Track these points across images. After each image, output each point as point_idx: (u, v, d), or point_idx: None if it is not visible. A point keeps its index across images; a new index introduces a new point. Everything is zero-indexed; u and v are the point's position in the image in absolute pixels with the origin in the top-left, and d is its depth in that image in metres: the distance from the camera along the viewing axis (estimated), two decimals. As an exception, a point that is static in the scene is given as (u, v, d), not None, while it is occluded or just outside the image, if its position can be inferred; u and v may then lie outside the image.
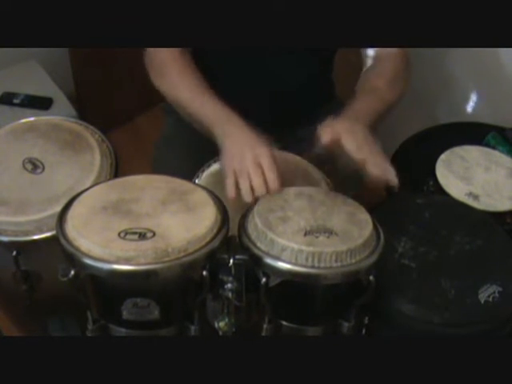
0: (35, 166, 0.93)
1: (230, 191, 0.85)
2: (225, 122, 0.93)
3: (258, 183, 0.84)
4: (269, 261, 0.76)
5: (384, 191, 0.89)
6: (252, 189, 0.84)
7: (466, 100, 1.49)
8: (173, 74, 1.02)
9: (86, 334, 0.82)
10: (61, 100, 1.55)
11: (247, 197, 0.84)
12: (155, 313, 0.77)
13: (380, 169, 0.84)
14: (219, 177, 1.02)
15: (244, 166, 0.85)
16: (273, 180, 0.84)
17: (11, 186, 0.91)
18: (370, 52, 1.08)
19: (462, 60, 1.46)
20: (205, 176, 1.02)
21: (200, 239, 0.76)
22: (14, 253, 0.87)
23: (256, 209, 0.82)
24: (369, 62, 1.08)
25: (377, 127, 0.96)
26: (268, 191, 0.84)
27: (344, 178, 0.95)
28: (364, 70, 1.08)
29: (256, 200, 0.84)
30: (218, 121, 0.93)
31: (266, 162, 0.85)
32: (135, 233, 0.75)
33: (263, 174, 0.84)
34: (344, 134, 0.86)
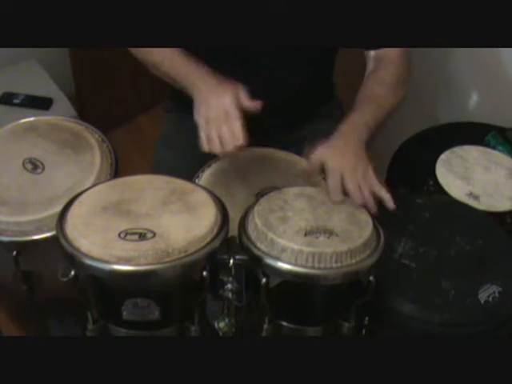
0: (35, 166, 0.93)
1: (203, 143, 0.89)
2: (193, 74, 0.97)
3: (224, 133, 0.88)
4: (269, 261, 0.76)
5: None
6: (221, 140, 0.88)
7: (466, 100, 1.49)
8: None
9: (86, 334, 0.82)
10: (61, 100, 1.55)
11: (216, 148, 0.88)
12: (155, 313, 0.77)
13: (363, 199, 0.86)
14: (219, 177, 1.03)
15: (211, 116, 0.89)
16: (239, 132, 0.87)
17: (11, 186, 0.91)
18: (373, 53, 1.08)
19: (462, 60, 1.45)
20: (205, 176, 1.02)
21: (200, 239, 0.76)
22: (14, 253, 0.87)
23: (256, 209, 0.82)
24: (371, 64, 1.08)
25: (377, 134, 0.97)
26: (235, 144, 0.87)
27: None
28: (367, 73, 1.08)
29: (224, 154, 0.88)
30: (187, 74, 0.98)
31: (231, 111, 0.88)
32: (135, 233, 0.75)
33: (230, 124, 0.88)
34: (329, 163, 0.88)
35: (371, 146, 0.94)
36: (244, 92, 0.92)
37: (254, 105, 0.92)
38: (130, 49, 1.07)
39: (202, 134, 0.90)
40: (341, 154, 0.89)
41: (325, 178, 0.90)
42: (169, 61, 1.02)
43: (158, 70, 1.04)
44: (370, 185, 0.87)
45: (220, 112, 0.89)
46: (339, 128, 0.94)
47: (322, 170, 0.90)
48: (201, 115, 0.91)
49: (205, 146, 0.89)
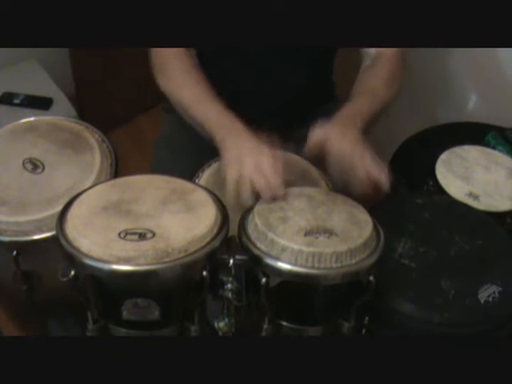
0: (35, 166, 0.93)
1: (230, 199, 0.84)
2: (225, 127, 0.91)
3: (260, 187, 0.82)
4: (269, 261, 0.76)
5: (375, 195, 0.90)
6: (255, 193, 0.83)
7: (466, 100, 1.49)
8: (177, 75, 1.02)
9: (86, 334, 0.82)
10: (61, 100, 1.55)
11: (247, 202, 0.84)
12: (155, 313, 0.77)
13: (366, 174, 0.84)
14: (219, 177, 1.03)
15: (244, 174, 0.83)
16: (275, 183, 0.83)
17: (11, 186, 0.91)
18: (369, 51, 1.08)
19: (461, 60, 1.45)
20: (205, 176, 1.02)
21: (200, 239, 0.76)
22: (14, 253, 0.87)
23: (256, 209, 0.82)
24: (367, 61, 1.08)
25: (371, 127, 0.97)
26: (273, 197, 0.83)
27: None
28: (362, 68, 1.09)
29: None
30: (218, 125, 0.92)
31: (266, 168, 0.83)
32: (135, 233, 0.75)
33: (266, 179, 0.82)
34: (333, 137, 0.87)
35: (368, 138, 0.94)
36: (278, 154, 0.86)
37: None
38: (163, 89, 1.03)
39: (230, 191, 0.84)
40: (341, 134, 0.88)
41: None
42: (199, 104, 0.97)
43: (187, 111, 0.99)
44: (368, 166, 0.86)
45: (255, 171, 0.83)
46: (334, 117, 0.93)
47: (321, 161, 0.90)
48: (232, 175, 0.85)
49: (231, 203, 0.84)
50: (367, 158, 0.86)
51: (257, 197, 0.83)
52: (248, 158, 0.84)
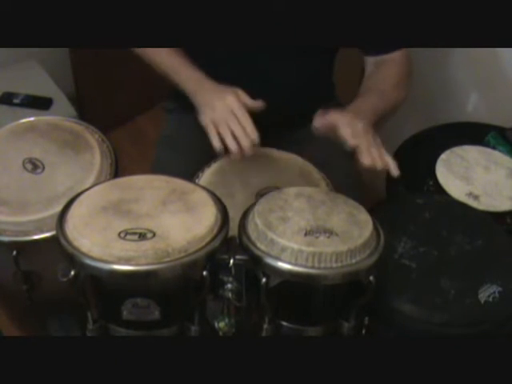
0: (35, 166, 0.93)
1: (215, 142, 0.91)
2: (194, 79, 1.00)
3: (239, 132, 0.89)
4: (269, 261, 0.76)
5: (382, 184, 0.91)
6: (234, 137, 0.90)
7: (466, 100, 1.49)
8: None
9: (86, 334, 0.82)
10: (61, 100, 1.55)
11: (232, 145, 0.89)
12: (155, 313, 0.77)
13: (372, 160, 0.86)
14: (219, 177, 1.03)
15: (219, 116, 0.91)
16: (251, 128, 0.90)
17: (11, 186, 0.91)
18: (372, 59, 1.08)
19: (461, 60, 1.45)
20: (205, 176, 1.02)
21: (200, 239, 0.76)
22: (14, 253, 0.87)
23: (256, 209, 0.82)
24: (371, 66, 1.08)
25: (378, 125, 0.97)
26: (251, 140, 0.89)
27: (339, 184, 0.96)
28: (367, 74, 1.08)
29: (240, 150, 0.89)
30: (187, 79, 1.01)
31: (238, 111, 0.91)
32: (135, 233, 0.75)
33: (240, 123, 0.90)
34: (342, 123, 0.89)
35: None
36: (243, 92, 0.93)
37: (256, 103, 0.94)
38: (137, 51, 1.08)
39: (213, 134, 0.91)
40: (353, 120, 0.90)
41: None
42: (169, 62, 1.04)
43: (157, 68, 1.06)
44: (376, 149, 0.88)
45: (226, 111, 0.91)
46: (345, 108, 0.95)
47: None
48: (207, 117, 0.93)
49: (218, 145, 0.90)
50: (375, 146, 0.88)
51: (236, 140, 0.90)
52: (218, 101, 0.93)
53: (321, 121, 0.90)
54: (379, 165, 0.86)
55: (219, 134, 0.91)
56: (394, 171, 0.88)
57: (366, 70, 1.09)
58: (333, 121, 0.90)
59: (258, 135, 0.90)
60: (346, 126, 0.89)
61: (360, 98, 0.99)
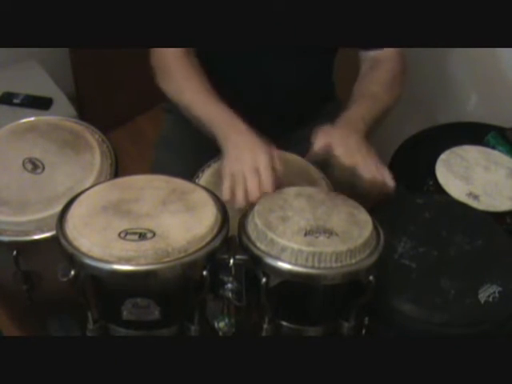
0: (35, 166, 0.93)
1: (226, 194, 0.86)
2: (227, 126, 0.92)
3: (252, 187, 0.84)
4: (269, 261, 0.76)
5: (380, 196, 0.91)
6: (246, 193, 0.84)
7: (466, 100, 1.49)
8: (178, 77, 1.02)
9: (86, 334, 0.82)
10: (61, 100, 1.55)
11: (240, 200, 0.84)
12: (155, 313, 0.77)
13: (372, 173, 0.87)
14: (219, 177, 1.03)
15: (241, 170, 0.85)
16: (267, 184, 0.84)
17: (11, 186, 0.91)
18: (367, 55, 1.08)
19: (461, 60, 1.45)
20: (205, 176, 1.02)
21: (200, 239, 0.76)
22: (14, 253, 0.87)
23: (256, 209, 0.82)
24: (366, 64, 1.08)
25: (373, 131, 0.97)
26: (261, 194, 0.84)
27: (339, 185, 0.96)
28: (361, 72, 1.09)
29: (251, 204, 0.84)
30: (220, 124, 0.93)
31: (263, 167, 0.85)
32: (135, 233, 0.75)
33: (260, 178, 0.84)
34: (336, 140, 0.88)
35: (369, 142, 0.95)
36: (277, 154, 0.89)
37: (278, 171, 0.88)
38: (164, 91, 1.03)
39: (226, 186, 0.86)
40: (345, 137, 0.90)
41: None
42: (201, 104, 0.97)
43: (189, 112, 1.00)
44: (372, 167, 0.88)
45: (251, 170, 0.85)
46: (336, 121, 0.95)
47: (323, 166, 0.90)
48: (230, 168, 0.87)
49: (226, 198, 0.85)
50: (371, 160, 0.88)
51: (247, 195, 0.85)
52: (247, 156, 0.86)
53: (319, 144, 0.90)
54: (379, 178, 0.87)
55: (232, 186, 0.86)
56: (390, 183, 0.89)
57: (361, 68, 1.09)
58: (327, 141, 0.90)
59: (273, 189, 0.85)
60: (339, 144, 0.88)
61: (351, 107, 0.99)
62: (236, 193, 0.85)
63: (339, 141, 0.89)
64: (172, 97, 1.03)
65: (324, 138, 0.90)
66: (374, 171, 0.88)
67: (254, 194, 0.84)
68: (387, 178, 0.89)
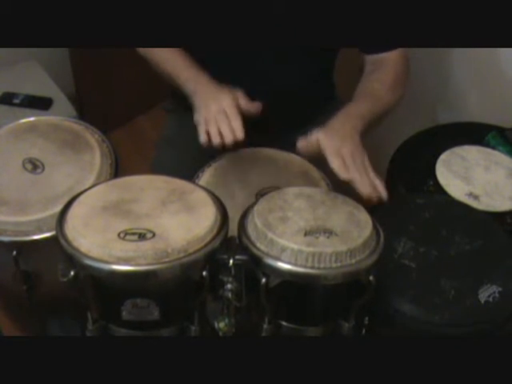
0: (35, 166, 0.93)
1: (202, 138, 0.93)
2: (193, 81, 1.01)
3: (224, 129, 0.92)
4: (269, 261, 0.76)
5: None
6: (220, 134, 0.92)
7: (466, 100, 1.49)
8: None
9: (86, 334, 0.82)
10: (61, 100, 1.55)
11: (216, 139, 0.92)
12: (155, 313, 0.77)
13: (367, 191, 0.87)
14: (219, 177, 1.03)
15: (211, 115, 0.93)
16: (238, 127, 0.92)
17: (11, 186, 0.91)
18: (370, 57, 1.08)
19: (461, 60, 1.45)
20: (205, 176, 1.02)
21: (200, 240, 0.76)
22: (14, 253, 0.87)
23: (256, 209, 0.82)
24: (369, 66, 1.08)
25: (372, 129, 0.97)
26: (234, 138, 0.92)
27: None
28: (364, 73, 1.08)
29: (224, 146, 0.93)
30: (187, 79, 1.02)
31: (230, 111, 0.93)
32: (135, 233, 0.75)
33: (228, 121, 0.93)
34: (330, 153, 0.87)
35: (365, 139, 0.94)
36: (242, 95, 0.96)
37: (254, 106, 0.95)
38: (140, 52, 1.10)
39: (202, 131, 0.93)
40: (339, 137, 0.90)
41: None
42: (171, 62, 1.05)
43: (159, 69, 1.07)
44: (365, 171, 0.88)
45: (218, 111, 0.93)
46: (334, 117, 0.94)
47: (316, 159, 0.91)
48: (200, 116, 0.95)
49: (203, 141, 0.93)
50: (366, 173, 0.88)
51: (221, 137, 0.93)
52: (213, 102, 0.95)
53: (304, 143, 0.90)
54: (374, 194, 0.88)
55: (207, 131, 0.93)
56: (383, 195, 0.89)
57: (365, 69, 1.09)
58: (317, 144, 0.89)
59: (243, 134, 0.92)
60: (334, 155, 0.87)
61: (352, 103, 0.99)
62: (210, 132, 0.93)
63: (334, 154, 0.87)
64: (144, 53, 1.09)
65: (312, 147, 0.90)
66: (368, 188, 0.87)
67: (226, 134, 0.92)
68: (380, 189, 0.88)
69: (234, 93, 0.96)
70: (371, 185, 0.87)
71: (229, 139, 0.92)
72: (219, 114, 0.93)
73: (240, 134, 0.92)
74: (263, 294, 0.77)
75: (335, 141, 0.89)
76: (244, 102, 0.96)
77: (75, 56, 1.69)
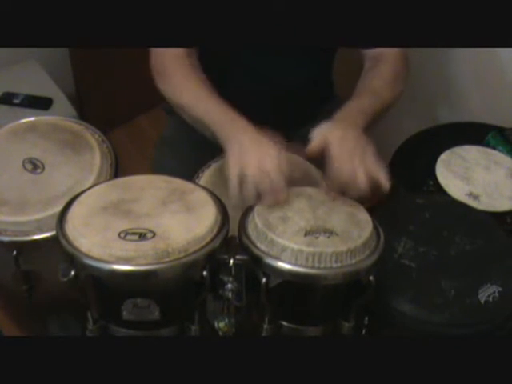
0: (35, 166, 0.93)
1: (235, 201, 0.83)
2: (230, 125, 0.89)
3: (264, 190, 0.81)
4: (269, 261, 0.76)
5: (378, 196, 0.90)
6: (258, 193, 0.82)
7: (466, 100, 1.49)
8: (177, 77, 0.99)
9: (86, 334, 0.82)
10: (61, 100, 1.55)
11: (250, 202, 0.82)
12: (155, 313, 0.77)
13: (367, 174, 0.83)
14: (219, 177, 1.03)
15: (247, 172, 0.81)
16: (280, 189, 0.81)
17: (11, 186, 0.91)
18: (370, 53, 1.08)
19: (461, 60, 1.45)
20: (205, 176, 1.02)
21: (200, 239, 0.76)
22: (14, 253, 0.87)
23: (256, 209, 0.82)
24: (368, 63, 1.08)
25: (373, 126, 0.96)
26: (275, 201, 0.82)
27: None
28: (364, 70, 1.08)
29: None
30: (222, 123, 0.90)
31: (271, 168, 0.81)
32: (135, 233, 0.75)
33: (270, 181, 0.81)
34: (334, 141, 0.85)
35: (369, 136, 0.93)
36: (284, 152, 0.84)
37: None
38: (163, 92, 1.01)
39: (234, 192, 0.83)
40: (342, 137, 0.87)
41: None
42: (202, 104, 0.94)
43: (189, 113, 0.98)
44: (368, 169, 0.85)
45: (260, 173, 0.81)
46: (336, 114, 0.92)
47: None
48: (235, 171, 0.83)
49: (235, 203, 0.83)
50: (368, 159, 0.86)
51: (259, 197, 0.82)
52: (251, 155, 0.82)
53: (315, 144, 0.86)
54: (367, 192, 0.84)
55: (240, 188, 0.82)
56: (386, 186, 0.84)
57: (364, 65, 1.09)
58: (325, 141, 0.86)
59: (286, 193, 0.82)
60: (339, 147, 0.84)
61: (352, 101, 0.97)
62: (245, 195, 0.82)
63: (337, 144, 0.85)
64: (170, 98, 1.01)
65: (320, 139, 0.87)
66: (368, 173, 0.83)
67: (267, 196, 0.81)
68: (382, 178, 0.85)
69: (278, 149, 0.83)
70: (365, 183, 0.84)
71: (269, 200, 0.81)
72: (258, 172, 0.80)
73: (283, 194, 0.81)
74: (263, 293, 0.77)
75: (340, 132, 0.87)
76: (284, 163, 0.82)
77: (75, 56, 1.69)
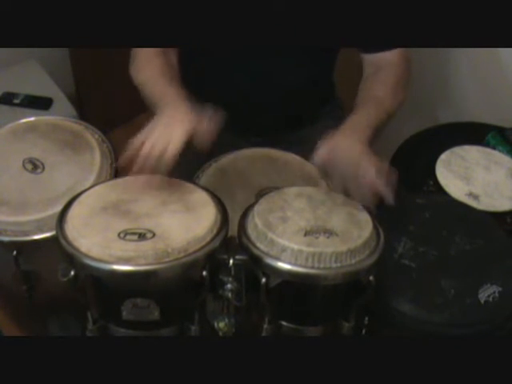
0: (35, 166, 0.93)
1: (122, 161, 0.84)
2: (166, 101, 0.91)
3: (146, 166, 0.82)
4: (269, 261, 0.76)
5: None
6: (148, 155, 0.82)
7: (466, 100, 1.49)
8: (141, 57, 1.04)
9: (86, 334, 0.82)
10: (61, 100, 1.55)
11: (143, 154, 0.82)
12: (155, 313, 0.77)
13: (371, 187, 0.84)
14: (219, 177, 1.03)
15: (148, 143, 0.82)
16: (168, 159, 0.81)
17: (11, 186, 0.91)
18: (370, 58, 1.07)
19: (461, 60, 1.45)
20: (205, 176, 1.02)
21: (200, 239, 0.76)
22: (14, 253, 0.87)
23: (256, 209, 0.82)
24: (369, 68, 1.08)
25: (377, 136, 0.96)
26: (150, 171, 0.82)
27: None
28: (365, 76, 1.08)
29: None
30: (162, 99, 0.92)
31: (170, 152, 0.82)
32: (135, 233, 0.75)
33: (151, 160, 0.82)
34: (340, 152, 0.86)
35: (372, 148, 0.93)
36: (208, 128, 0.85)
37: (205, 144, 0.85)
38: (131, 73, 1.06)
39: (126, 154, 0.83)
40: (348, 149, 0.88)
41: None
42: (153, 81, 0.98)
43: (143, 91, 1.01)
44: (371, 182, 0.85)
45: (160, 142, 0.83)
46: (341, 127, 0.93)
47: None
48: (140, 135, 0.84)
49: (121, 163, 0.84)
50: (372, 171, 0.85)
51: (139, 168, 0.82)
52: (155, 132, 0.83)
53: (322, 153, 0.87)
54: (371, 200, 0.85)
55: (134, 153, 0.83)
56: (389, 201, 0.85)
57: (364, 71, 1.09)
58: (332, 151, 0.87)
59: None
60: (345, 158, 0.85)
61: (357, 112, 0.97)
62: (142, 146, 0.82)
63: (341, 154, 0.86)
64: (132, 76, 1.05)
65: (327, 150, 0.87)
66: (373, 186, 0.84)
67: (149, 161, 0.81)
68: (386, 192, 0.85)
69: (197, 126, 0.84)
70: (371, 186, 0.85)
71: (149, 164, 0.82)
72: (152, 148, 0.82)
73: (168, 162, 0.82)
74: (263, 293, 0.77)
75: (346, 143, 0.88)
76: (204, 131, 0.84)
77: (75, 56, 1.69)
